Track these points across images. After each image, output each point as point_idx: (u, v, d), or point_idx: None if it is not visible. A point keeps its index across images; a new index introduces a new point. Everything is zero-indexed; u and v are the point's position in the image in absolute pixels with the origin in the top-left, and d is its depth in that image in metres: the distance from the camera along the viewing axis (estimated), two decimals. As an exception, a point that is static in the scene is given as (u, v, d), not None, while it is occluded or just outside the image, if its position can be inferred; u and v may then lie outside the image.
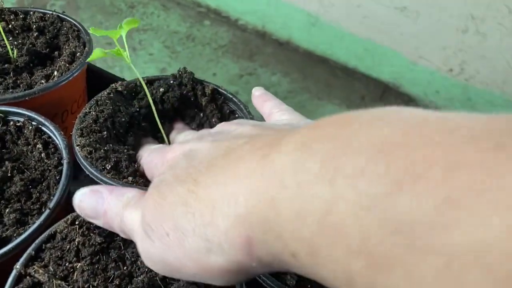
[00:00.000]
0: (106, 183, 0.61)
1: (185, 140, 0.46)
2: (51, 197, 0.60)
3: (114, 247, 0.57)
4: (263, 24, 1.75)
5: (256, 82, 1.59)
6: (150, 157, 0.56)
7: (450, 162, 0.20)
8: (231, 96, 0.75)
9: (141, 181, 0.63)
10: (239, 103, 0.74)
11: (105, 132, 0.67)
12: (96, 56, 0.61)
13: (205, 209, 0.31)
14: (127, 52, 0.61)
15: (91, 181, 0.73)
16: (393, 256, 0.20)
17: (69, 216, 0.59)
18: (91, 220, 0.46)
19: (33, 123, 0.67)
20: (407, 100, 1.56)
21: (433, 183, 0.20)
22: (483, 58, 1.40)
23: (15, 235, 0.57)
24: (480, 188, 0.18)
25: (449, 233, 0.18)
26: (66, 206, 0.64)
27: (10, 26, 0.80)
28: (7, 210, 0.60)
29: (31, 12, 0.82)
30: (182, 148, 0.40)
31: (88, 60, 0.62)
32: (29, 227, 0.58)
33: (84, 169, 0.62)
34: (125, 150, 0.66)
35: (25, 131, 0.67)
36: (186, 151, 0.39)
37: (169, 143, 0.70)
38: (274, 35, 1.74)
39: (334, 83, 1.62)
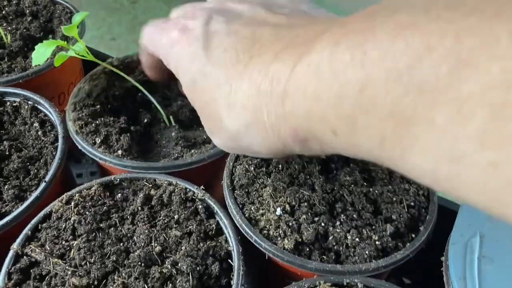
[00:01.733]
0: (97, 157, 0.61)
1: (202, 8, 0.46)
2: (48, 172, 0.60)
3: (110, 224, 0.56)
4: (266, 11, 1.74)
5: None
6: (156, 27, 0.49)
7: (458, 31, 0.23)
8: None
9: (131, 156, 0.62)
10: None
11: (98, 106, 0.67)
12: (61, 61, 0.63)
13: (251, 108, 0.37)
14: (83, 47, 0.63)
15: (93, 163, 0.72)
16: (416, 113, 0.25)
17: (63, 196, 0.58)
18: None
19: (29, 102, 0.67)
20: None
21: (444, 51, 0.23)
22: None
23: (13, 210, 0.57)
24: (484, 47, 0.22)
25: (461, 86, 0.22)
26: (63, 180, 0.64)
27: (3, 12, 0.80)
28: (5, 187, 0.60)
29: (24, -3, 0.82)
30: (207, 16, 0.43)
31: (55, 65, 0.62)
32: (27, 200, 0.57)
33: (76, 143, 0.62)
34: (117, 123, 0.65)
35: (22, 111, 0.67)
36: (198, 32, 0.42)
37: (164, 113, 0.69)
38: (277, 22, 1.72)
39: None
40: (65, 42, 0.60)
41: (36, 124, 0.65)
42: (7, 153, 0.63)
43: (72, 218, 0.56)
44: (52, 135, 0.64)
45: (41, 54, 0.59)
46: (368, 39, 0.28)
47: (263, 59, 0.36)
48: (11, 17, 0.80)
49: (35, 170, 0.62)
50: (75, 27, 0.60)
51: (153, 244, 0.54)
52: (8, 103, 0.68)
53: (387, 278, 0.71)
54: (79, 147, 0.62)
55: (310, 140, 0.35)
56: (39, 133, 0.65)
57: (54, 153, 0.62)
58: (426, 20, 0.25)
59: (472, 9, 0.23)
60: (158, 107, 0.68)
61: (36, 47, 0.60)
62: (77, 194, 0.58)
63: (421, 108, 0.24)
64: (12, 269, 0.52)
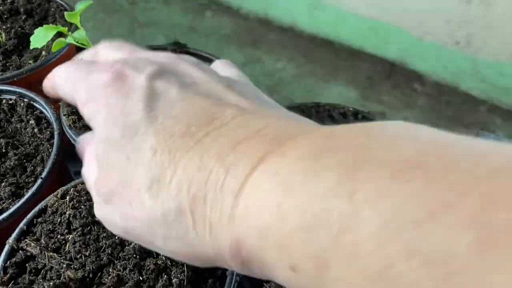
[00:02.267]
0: None
1: (123, 61, 0.36)
2: (44, 169, 0.60)
3: (105, 218, 0.56)
4: (265, 11, 1.74)
5: (261, 69, 1.58)
6: (69, 71, 0.39)
7: (485, 195, 0.18)
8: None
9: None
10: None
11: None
12: (59, 47, 0.62)
13: (184, 200, 0.28)
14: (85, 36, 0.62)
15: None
16: None
17: (59, 190, 0.58)
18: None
19: (25, 99, 0.67)
20: (415, 77, 1.53)
21: (470, 216, 0.18)
22: (490, 28, 1.37)
23: (10, 207, 0.57)
24: None
25: (488, 275, 0.17)
26: (60, 177, 0.64)
27: (-2, 11, 0.81)
28: (2, 184, 0.60)
29: (18, -5, 0.83)
30: (132, 76, 0.33)
31: (52, 50, 0.62)
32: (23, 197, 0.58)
33: (69, 138, 0.62)
34: None
35: (18, 108, 0.67)
36: (141, 84, 0.33)
37: None
38: (276, 21, 1.72)
39: (339, 65, 1.60)
40: (66, 29, 0.60)
41: (32, 121, 0.65)
42: (3, 150, 0.63)
43: (67, 212, 0.56)
44: (48, 132, 0.64)
45: (40, 37, 0.59)
46: (365, 166, 0.22)
47: (221, 142, 0.29)
48: (5, 16, 0.81)
49: (32, 167, 0.62)
50: (77, 14, 0.59)
51: (148, 236, 0.54)
52: (4, 101, 0.68)
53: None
54: (72, 141, 0.62)
55: (254, 263, 0.27)
56: (35, 130, 0.65)
57: (50, 150, 0.62)
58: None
59: (501, 169, 0.19)
60: None
61: (36, 30, 0.59)
62: (72, 189, 0.58)
63: (427, 283, 0.18)
64: (8, 263, 0.52)
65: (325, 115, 0.66)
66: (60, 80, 0.39)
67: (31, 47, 0.60)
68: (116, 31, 1.68)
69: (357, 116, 0.66)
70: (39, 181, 0.59)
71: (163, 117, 0.31)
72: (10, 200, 0.59)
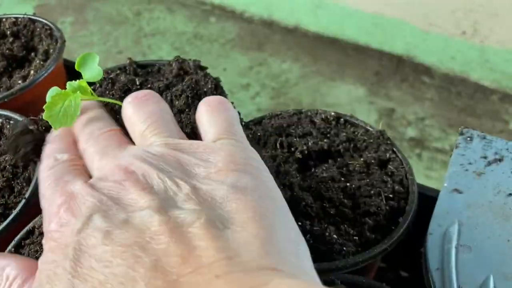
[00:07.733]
0: None
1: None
2: (29, 189, 0.60)
3: (90, 235, 0.57)
4: (269, 13, 1.74)
5: (267, 71, 1.58)
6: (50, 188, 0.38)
7: None
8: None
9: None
10: None
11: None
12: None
13: None
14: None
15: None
16: None
17: (45, 210, 0.59)
18: None
19: (11, 122, 0.68)
20: (423, 70, 1.51)
21: None
22: (496, 16, 1.34)
23: (-1, 229, 0.58)
24: None
25: None
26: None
27: (-16, 35, 0.82)
28: None
29: (4, 19, 0.84)
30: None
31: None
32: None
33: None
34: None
35: (5, 131, 0.68)
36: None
37: None
38: (281, 23, 1.72)
39: (346, 62, 1.59)
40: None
41: (20, 142, 0.66)
42: None
43: (53, 232, 0.56)
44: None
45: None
46: None
47: None
48: (-8, 40, 0.83)
49: (19, 187, 0.62)
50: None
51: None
52: (-10, 125, 0.69)
53: (383, 271, 0.70)
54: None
55: None
56: (23, 150, 0.65)
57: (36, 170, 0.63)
58: None
59: None
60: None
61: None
62: (57, 208, 0.59)
63: None
64: (-6, 286, 0.53)
65: (307, 121, 0.65)
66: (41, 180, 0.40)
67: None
68: (123, 43, 1.70)
69: (339, 120, 0.66)
70: (22, 201, 0.59)
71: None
72: (-3, 222, 0.59)
